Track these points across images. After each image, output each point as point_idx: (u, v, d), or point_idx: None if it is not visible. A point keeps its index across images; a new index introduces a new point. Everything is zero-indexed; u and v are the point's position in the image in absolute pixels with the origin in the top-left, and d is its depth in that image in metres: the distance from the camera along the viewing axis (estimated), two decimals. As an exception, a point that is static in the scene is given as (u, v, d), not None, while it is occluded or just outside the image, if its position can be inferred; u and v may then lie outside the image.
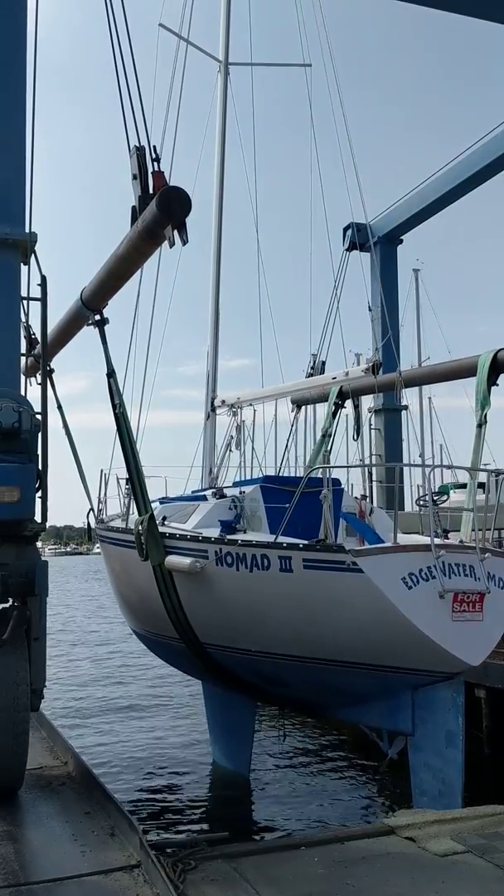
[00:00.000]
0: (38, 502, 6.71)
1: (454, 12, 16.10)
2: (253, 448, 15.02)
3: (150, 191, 6.41)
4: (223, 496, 9.35)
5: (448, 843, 5.31)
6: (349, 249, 18.49)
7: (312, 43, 14.37)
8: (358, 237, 17.99)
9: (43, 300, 7.15)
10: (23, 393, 7.13)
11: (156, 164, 6.53)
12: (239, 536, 8.10)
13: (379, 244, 20.41)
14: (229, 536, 8.08)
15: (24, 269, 7.13)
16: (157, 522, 8.64)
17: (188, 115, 13.72)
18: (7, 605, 6.37)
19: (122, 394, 8.60)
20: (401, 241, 21.04)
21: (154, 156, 6.55)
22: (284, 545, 7.35)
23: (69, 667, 20.13)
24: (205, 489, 11.75)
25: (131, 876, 4.71)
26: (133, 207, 6.54)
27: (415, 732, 7.25)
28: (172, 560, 8.20)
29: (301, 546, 7.29)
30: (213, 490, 9.88)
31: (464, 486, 16.88)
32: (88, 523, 11.75)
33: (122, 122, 6.85)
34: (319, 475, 8.41)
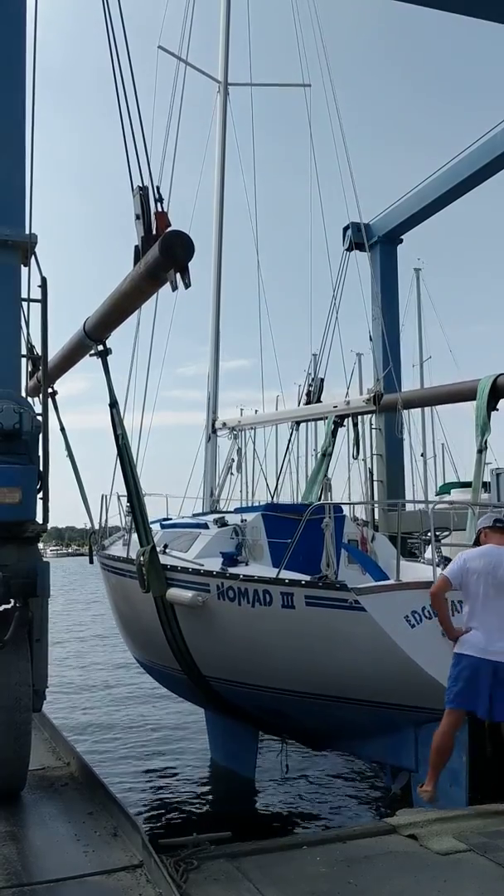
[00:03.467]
0: (40, 503, 6.74)
1: (454, 12, 16.06)
2: (255, 454, 15.06)
3: (154, 232, 6.43)
4: (224, 524, 9.34)
5: (450, 841, 5.30)
6: (349, 249, 18.45)
7: (311, 61, 14.44)
8: (357, 237, 17.97)
9: (43, 302, 7.15)
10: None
11: (159, 204, 6.54)
12: (241, 570, 8.09)
13: (379, 244, 20.35)
14: (231, 570, 8.07)
15: (23, 270, 7.15)
16: (159, 549, 8.65)
17: (188, 130, 13.84)
18: (9, 607, 6.38)
19: (124, 424, 8.66)
20: (401, 241, 20.97)
21: (157, 196, 6.57)
22: (287, 581, 7.34)
23: (72, 666, 20.15)
24: (206, 513, 11.72)
25: (134, 876, 4.71)
26: (136, 247, 6.56)
27: (418, 769, 7.20)
28: (174, 593, 8.21)
29: (303, 582, 7.28)
30: (215, 518, 9.86)
31: (466, 484, 16.84)
32: (90, 545, 11.88)
33: (126, 161, 6.94)
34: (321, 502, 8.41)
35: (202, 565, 8.36)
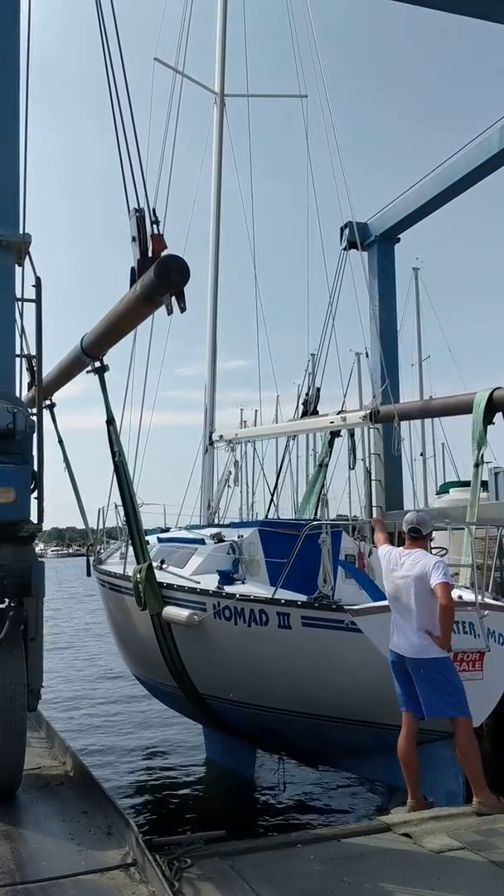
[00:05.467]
0: (34, 503, 6.73)
1: (453, 13, 16.06)
2: (256, 457, 15.03)
3: (150, 254, 6.44)
4: (221, 539, 9.32)
5: (444, 839, 5.31)
6: (347, 249, 18.43)
7: (308, 71, 14.48)
8: (352, 236, 17.95)
9: (38, 301, 7.16)
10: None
11: (155, 226, 6.55)
12: (237, 589, 8.08)
13: (376, 243, 20.33)
14: (227, 589, 8.07)
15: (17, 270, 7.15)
16: (155, 564, 8.63)
17: (185, 137, 13.90)
18: (3, 606, 6.39)
19: (120, 441, 8.65)
20: (398, 240, 20.93)
21: (153, 218, 6.58)
22: (283, 601, 7.34)
23: (69, 665, 20.16)
24: (203, 526, 11.71)
25: (128, 874, 4.72)
26: (132, 269, 6.59)
27: None
28: (170, 611, 8.21)
29: (299, 603, 7.28)
30: (212, 533, 9.84)
31: (466, 483, 16.80)
32: (88, 559, 11.92)
33: (122, 184, 6.86)
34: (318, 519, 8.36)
35: (199, 583, 8.35)
